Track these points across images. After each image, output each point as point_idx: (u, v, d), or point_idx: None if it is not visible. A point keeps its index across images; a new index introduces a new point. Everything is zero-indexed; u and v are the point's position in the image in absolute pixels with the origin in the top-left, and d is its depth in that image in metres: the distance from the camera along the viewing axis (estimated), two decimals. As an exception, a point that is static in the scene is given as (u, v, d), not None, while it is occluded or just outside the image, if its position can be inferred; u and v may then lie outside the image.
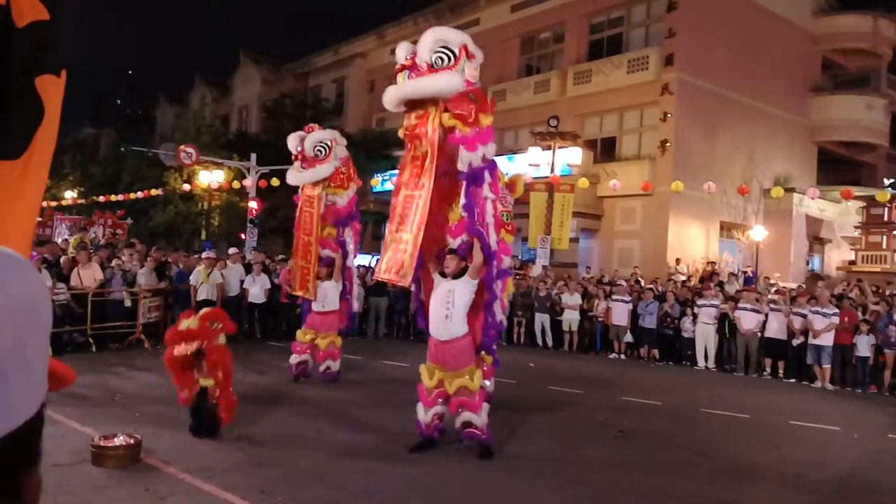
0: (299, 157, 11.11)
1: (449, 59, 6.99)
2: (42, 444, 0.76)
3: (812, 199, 21.25)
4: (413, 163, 7.24)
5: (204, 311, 7.68)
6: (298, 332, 11.50)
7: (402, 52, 7.32)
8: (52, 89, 1.55)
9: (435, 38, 7.06)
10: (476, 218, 7.24)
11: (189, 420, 7.50)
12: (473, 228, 7.25)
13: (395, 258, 7.27)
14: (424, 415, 7.54)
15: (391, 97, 7.23)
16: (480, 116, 7.13)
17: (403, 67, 7.17)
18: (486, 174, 7.29)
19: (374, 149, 32.23)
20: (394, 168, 29.41)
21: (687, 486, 6.86)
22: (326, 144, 11.05)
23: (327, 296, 11.39)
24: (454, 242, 7.51)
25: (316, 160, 10.98)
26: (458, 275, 7.37)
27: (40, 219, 28.01)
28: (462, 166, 7.14)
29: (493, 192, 7.40)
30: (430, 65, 6.99)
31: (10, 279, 0.70)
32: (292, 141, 11.32)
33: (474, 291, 7.36)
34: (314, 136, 11.12)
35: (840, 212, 27.69)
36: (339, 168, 11.24)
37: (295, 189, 11.76)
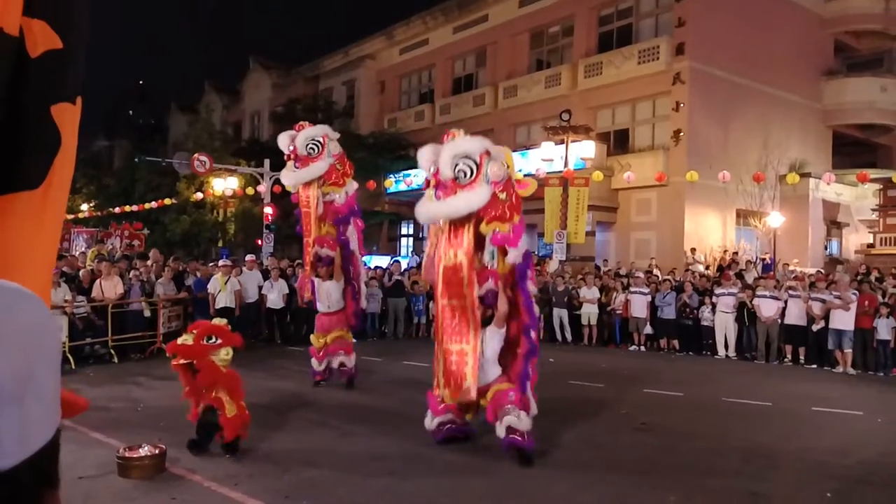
0: (292, 156, 10.67)
1: (471, 171, 7.01)
2: (60, 468, 0.79)
3: (828, 183, 21.07)
4: (447, 273, 7.27)
5: (200, 324, 7.51)
6: (312, 337, 11.35)
7: (424, 159, 7.42)
8: (67, 117, 1.56)
9: (454, 153, 7.08)
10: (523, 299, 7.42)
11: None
12: (526, 307, 7.43)
13: (452, 371, 7.31)
14: (430, 421, 7.64)
15: (423, 217, 7.40)
16: (514, 215, 7.18)
17: (429, 184, 7.27)
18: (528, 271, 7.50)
19: (387, 150, 32.29)
20: (407, 168, 29.62)
21: (711, 478, 6.84)
22: (318, 141, 10.63)
23: (331, 296, 11.08)
24: (480, 290, 7.42)
25: (309, 158, 10.54)
26: (485, 322, 7.39)
27: (58, 233, 28.27)
28: (510, 261, 7.22)
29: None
30: (454, 179, 7.03)
31: (20, 312, 0.74)
32: (283, 140, 10.87)
33: (503, 338, 7.41)
34: (305, 134, 10.69)
35: (857, 195, 27.48)
36: (335, 164, 10.79)
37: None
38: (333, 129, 11.47)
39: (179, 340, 7.16)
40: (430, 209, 7.26)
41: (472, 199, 6.97)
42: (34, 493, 0.73)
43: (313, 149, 10.58)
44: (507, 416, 7.05)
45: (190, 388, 7.13)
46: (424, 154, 7.43)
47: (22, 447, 0.70)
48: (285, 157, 10.87)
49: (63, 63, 1.55)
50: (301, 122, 11.34)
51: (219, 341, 7.12)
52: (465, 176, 7.00)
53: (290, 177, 10.90)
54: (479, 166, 7.02)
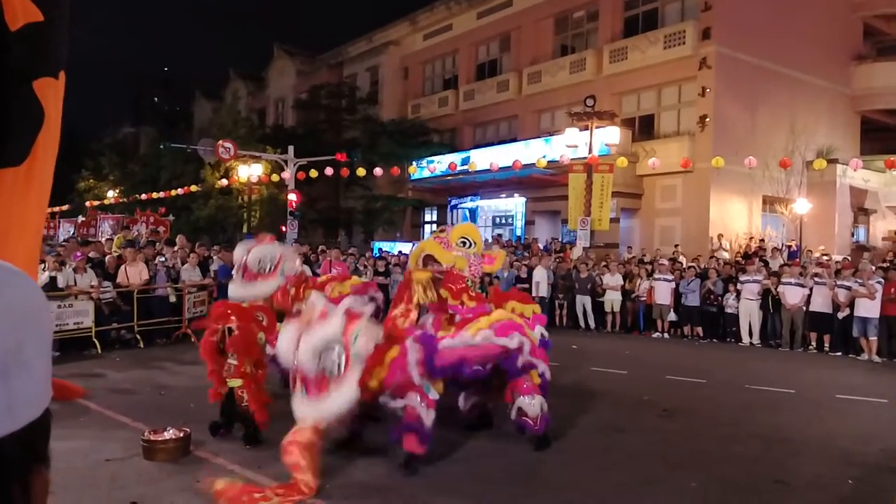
0: (242, 269, 9.06)
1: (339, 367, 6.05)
2: (49, 447, 0.81)
3: (855, 169, 20.79)
4: None
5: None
6: None
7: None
8: (51, 92, 1.54)
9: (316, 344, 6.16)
10: None
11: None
12: None
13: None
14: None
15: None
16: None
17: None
18: None
19: (410, 136, 32.29)
20: (431, 154, 29.61)
21: (733, 464, 6.83)
22: (272, 260, 9.16)
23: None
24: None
25: (259, 275, 8.98)
26: None
27: (84, 218, 28.66)
28: None
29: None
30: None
31: (9, 290, 0.76)
32: (237, 251, 9.52)
33: None
34: (258, 251, 9.19)
35: (885, 181, 27.05)
36: (286, 286, 9.39)
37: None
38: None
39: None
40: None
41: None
42: (23, 466, 0.75)
43: (265, 267, 9.11)
44: (519, 398, 7.08)
45: (215, 365, 7.37)
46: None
47: (10, 419, 0.72)
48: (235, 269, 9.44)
49: (44, 36, 1.52)
50: (263, 234, 9.91)
51: (264, 321, 7.68)
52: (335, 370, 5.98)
53: (234, 291, 9.20)
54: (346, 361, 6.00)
